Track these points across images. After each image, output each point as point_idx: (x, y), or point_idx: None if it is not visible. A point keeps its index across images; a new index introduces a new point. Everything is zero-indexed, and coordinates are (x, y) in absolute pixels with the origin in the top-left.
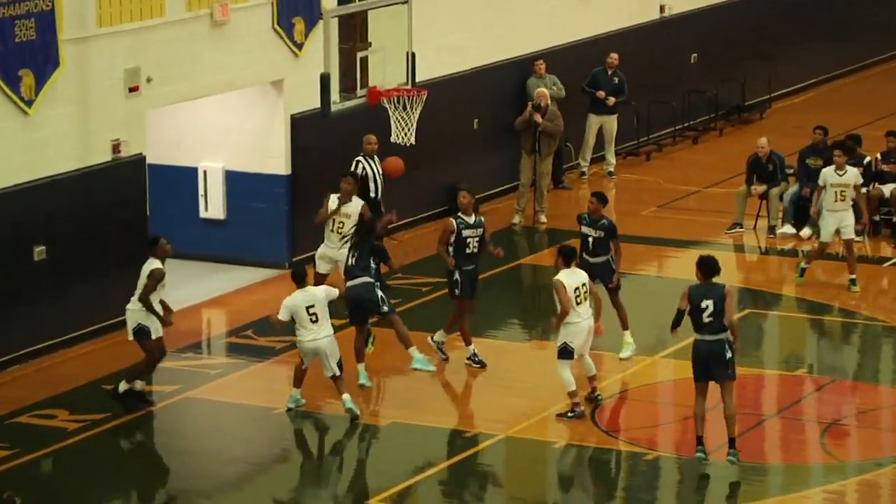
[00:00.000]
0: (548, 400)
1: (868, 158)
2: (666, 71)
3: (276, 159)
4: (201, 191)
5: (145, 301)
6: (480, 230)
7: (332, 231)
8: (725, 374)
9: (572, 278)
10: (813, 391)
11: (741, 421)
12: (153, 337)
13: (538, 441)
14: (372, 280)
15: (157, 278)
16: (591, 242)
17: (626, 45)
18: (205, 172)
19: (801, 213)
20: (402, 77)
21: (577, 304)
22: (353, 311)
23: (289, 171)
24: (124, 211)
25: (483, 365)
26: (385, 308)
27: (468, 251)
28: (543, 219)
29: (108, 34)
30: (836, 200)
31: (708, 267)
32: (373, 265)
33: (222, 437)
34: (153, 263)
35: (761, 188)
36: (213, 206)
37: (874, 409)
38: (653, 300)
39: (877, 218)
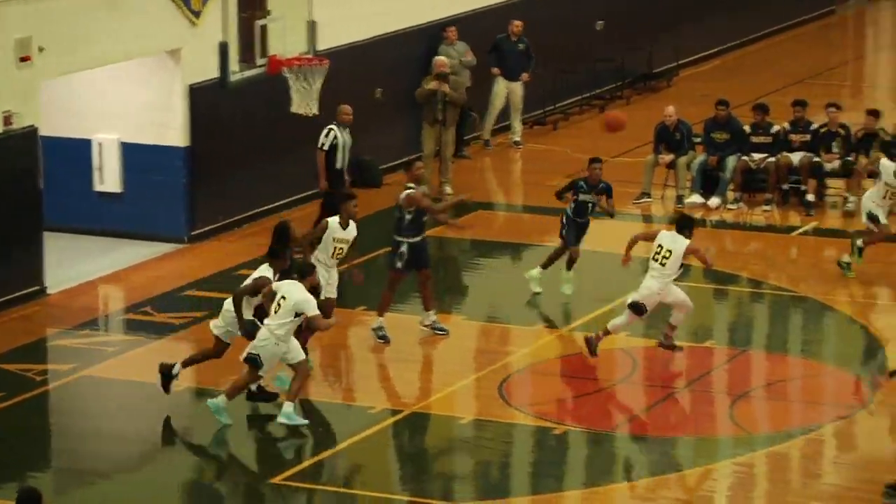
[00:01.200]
0: (454, 374)
1: (776, 127)
2: (572, 39)
3: (174, 131)
4: (97, 164)
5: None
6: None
7: (331, 256)
8: None
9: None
10: (722, 363)
11: (650, 393)
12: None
13: (445, 416)
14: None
15: (260, 287)
16: (589, 207)
17: (534, 11)
18: (100, 145)
19: (709, 182)
20: (303, 46)
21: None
22: None
23: (187, 143)
24: (16, 185)
25: (387, 340)
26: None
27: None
28: (449, 189)
29: None
30: (884, 197)
31: None
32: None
33: (120, 416)
34: (265, 271)
35: (669, 157)
36: (109, 179)
37: (783, 380)
38: (560, 272)
39: (785, 187)
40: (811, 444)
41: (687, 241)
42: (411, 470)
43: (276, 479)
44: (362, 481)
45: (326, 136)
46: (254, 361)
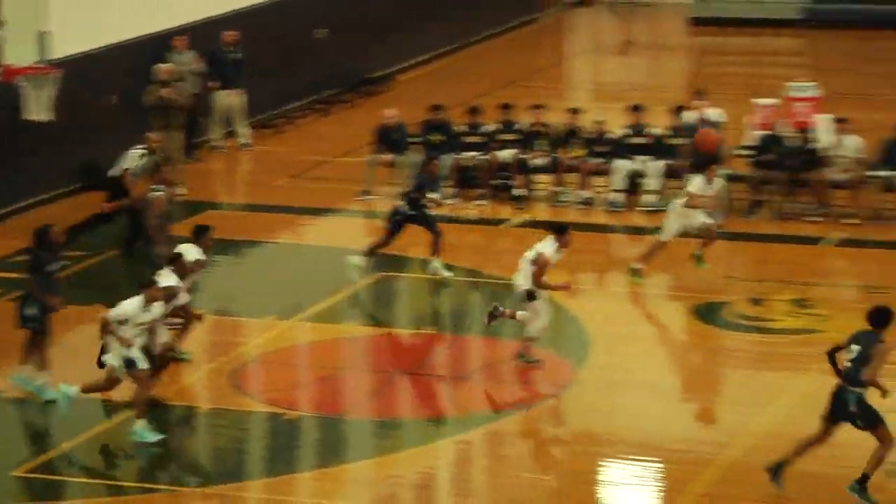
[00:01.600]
0: (189, 365)
1: (486, 128)
2: (295, 45)
3: None
4: None
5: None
6: None
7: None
8: (854, 423)
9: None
10: (443, 348)
11: (375, 378)
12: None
13: (181, 406)
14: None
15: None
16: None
17: (258, 20)
18: None
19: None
20: (36, 55)
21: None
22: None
23: None
24: None
25: None
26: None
27: None
28: (180, 191)
29: None
30: (686, 205)
31: (874, 316)
32: None
33: None
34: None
35: (389, 157)
36: None
37: (499, 363)
38: (287, 266)
39: (496, 183)
40: (526, 422)
41: (549, 243)
42: (149, 459)
43: (19, 472)
44: (102, 472)
45: (139, 158)
46: (130, 364)
